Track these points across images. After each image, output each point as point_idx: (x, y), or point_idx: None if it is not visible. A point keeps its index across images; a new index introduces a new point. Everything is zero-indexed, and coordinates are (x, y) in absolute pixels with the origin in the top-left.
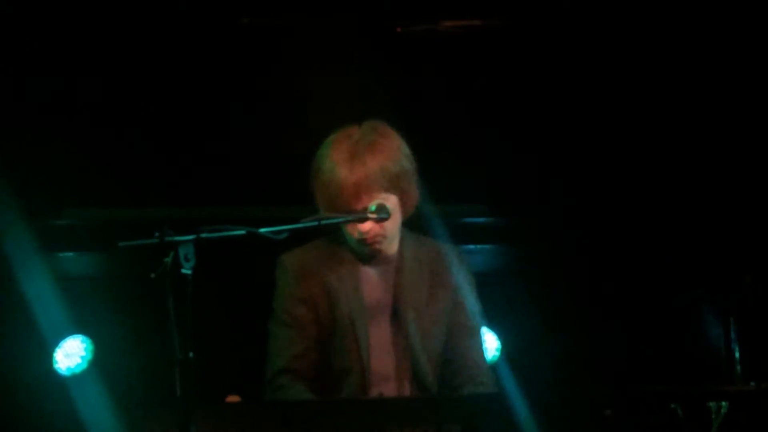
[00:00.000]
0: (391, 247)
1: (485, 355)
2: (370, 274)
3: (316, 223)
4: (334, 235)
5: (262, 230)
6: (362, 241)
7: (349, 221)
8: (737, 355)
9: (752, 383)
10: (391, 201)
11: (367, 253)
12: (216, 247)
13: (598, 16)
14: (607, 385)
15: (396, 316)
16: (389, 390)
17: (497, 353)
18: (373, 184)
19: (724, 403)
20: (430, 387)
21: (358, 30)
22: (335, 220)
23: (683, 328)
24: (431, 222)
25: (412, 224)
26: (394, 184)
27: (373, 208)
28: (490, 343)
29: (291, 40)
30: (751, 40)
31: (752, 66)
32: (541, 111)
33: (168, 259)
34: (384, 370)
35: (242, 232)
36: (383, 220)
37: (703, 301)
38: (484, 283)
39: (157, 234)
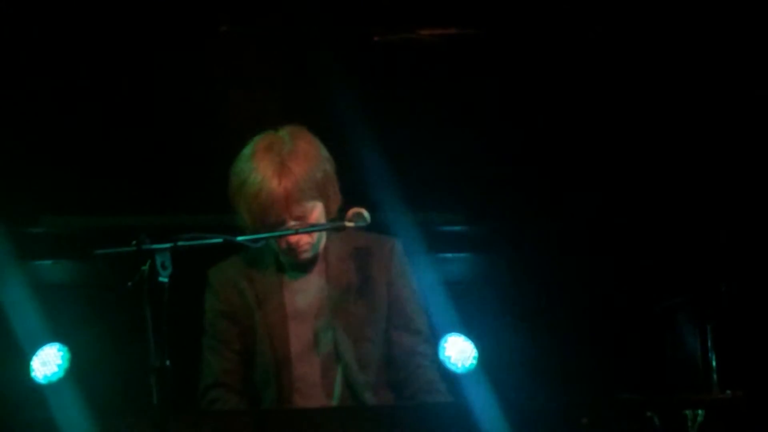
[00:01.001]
0: (316, 250)
1: (438, 356)
2: (293, 282)
3: (293, 231)
4: (258, 249)
5: (240, 238)
6: (289, 251)
7: (326, 229)
8: (714, 363)
9: (728, 392)
10: (318, 208)
11: (295, 261)
12: (193, 255)
13: (576, 24)
14: (584, 393)
15: (322, 323)
16: (314, 401)
17: (474, 361)
18: (303, 193)
19: (700, 411)
20: (364, 395)
21: (335, 38)
22: (313, 229)
23: (660, 336)
24: (406, 230)
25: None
26: (320, 191)
27: (350, 216)
28: (468, 352)
29: (267, 49)
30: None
31: (732, 80)
32: (519, 119)
33: (145, 267)
34: (309, 379)
35: (219, 240)
36: (361, 228)
37: (680, 309)
38: (461, 291)
39: (134, 242)
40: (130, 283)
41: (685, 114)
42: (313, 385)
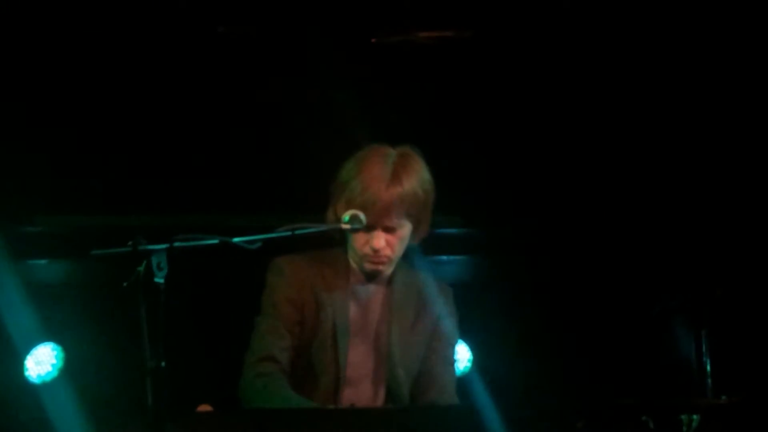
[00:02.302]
0: (389, 269)
1: (454, 387)
2: (360, 292)
3: (289, 233)
4: (331, 250)
5: (236, 239)
6: (368, 257)
7: (322, 230)
8: (709, 368)
9: (723, 397)
10: (407, 228)
11: (368, 270)
12: (189, 255)
13: (570, 27)
14: (579, 397)
15: (379, 338)
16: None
17: (469, 364)
18: (403, 206)
19: (695, 416)
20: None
21: (333, 40)
22: (309, 230)
23: (655, 340)
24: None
25: None
26: (417, 211)
27: (346, 219)
28: (462, 354)
29: (266, 51)
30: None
31: (720, 86)
32: (515, 121)
33: (141, 268)
34: (359, 386)
35: (215, 241)
36: (356, 231)
37: (675, 314)
38: (455, 294)
39: (130, 242)
40: (125, 284)
41: (682, 119)
42: (360, 398)
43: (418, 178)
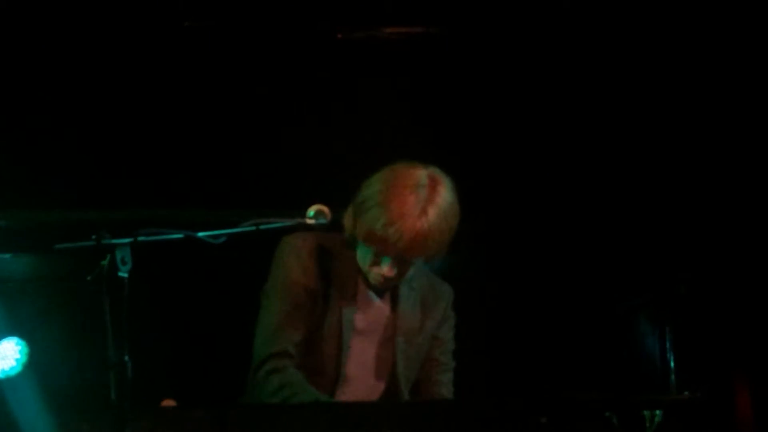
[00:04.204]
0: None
1: (451, 392)
2: (369, 295)
3: (254, 227)
4: (342, 240)
5: (200, 234)
6: (376, 277)
7: (287, 226)
8: (672, 364)
9: (686, 392)
10: (420, 261)
11: (373, 283)
12: (153, 250)
13: (540, 25)
14: (543, 392)
15: (384, 341)
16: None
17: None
18: (425, 247)
19: (658, 412)
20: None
21: (299, 36)
22: (273, 225)
23: (619, 337)
24: None
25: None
26: (437, 247)
27: (311, 213)
28: None
29: (228, 46)
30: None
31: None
32: (481, 118)
33: (104, 262)
34: (357, 388)
35: (180, 235)
36: (322, 226)
37: (639, 310)
38: None
39: (93, 236)
40: (89, 278)
41: (645, 119)
42: (358, 395)
43: (444, 213)
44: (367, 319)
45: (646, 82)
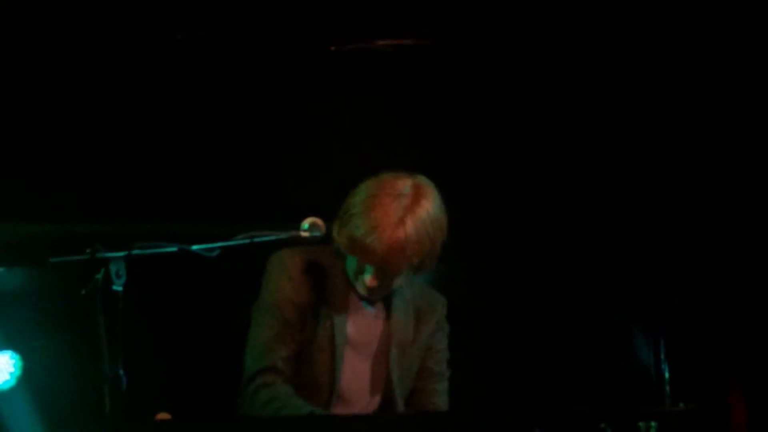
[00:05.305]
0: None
1: (446, 402)
2: (361, 306)
3: (248, 240)
4: (331, 252)
5: (195, 247)
6: (361, 285)
7: (281, 239)
8: (667, 375)
9: (681, 404)
10: (404, 275)
11: (360, 293)
12: (147, 263)
13: (530, 37)
14: (537, 403)
15: (378, 354)
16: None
17: None
18: (405, 258)
19: (653, 423)
20: None
21: (291, 48)
22: (267, 238)
23: (614, 348)
24: None
25: None
26: (420, 259)
27: (305, 226)
28: None
29: (224, 57)
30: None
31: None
32: (474, 130)
33: (99, 276)
34: (352, 401)
35: (174, 249)
36: (316, 238)
37: (633, 321)
38: None
39: (88, 250)
40: (84, 291)
41: (639, 125)
42: (353, 408)
43: (426, 224)
44: (360, 331)
45: (637, 98)
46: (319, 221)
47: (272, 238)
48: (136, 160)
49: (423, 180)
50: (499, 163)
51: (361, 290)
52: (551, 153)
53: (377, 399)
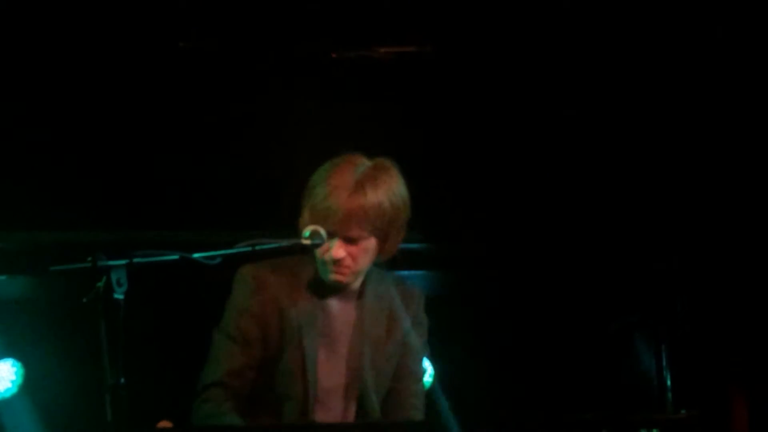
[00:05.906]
0: (356, 282)
1: (423, 403)
2: (330, 305)
3: (249, 248)
4: (300, 258)
5: (196, 255)
6: (329, 266)
7: (283, 247)
8: (669, 382)
9: (683, 411)
10: (372, 243)
11: (330, 280)
12: (149, 271)
13: (530, 44)
14: (539, 410)
15: (350, 354)
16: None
17: (430, 379)
18: (365, 217)
19: (655, 430)
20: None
21: (293, 55)
22: (269, 246)
23: (615, 355)
24: None
25: None
26: (382, 225)
27: (307, 234)
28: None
29: (225, 65)
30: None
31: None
32: (475, 137)
33: (100, 284)
34: (329, 404)
35: (175, 257)
36: (317, 246)
37: (635, 328)
38: None
39: (89, 258)
40: (85, 300)
41: (638, 127)
42: (331, 410)
43: (385, 191)
44: (331, 334)
45: (639, 105)
46: (320, 229)
47: (274, 245)
48: (138, 168)
49: (387, 161)
50: (501, 169)
51: (331, 276)
52: (553, 160)
53: (353, 400)
